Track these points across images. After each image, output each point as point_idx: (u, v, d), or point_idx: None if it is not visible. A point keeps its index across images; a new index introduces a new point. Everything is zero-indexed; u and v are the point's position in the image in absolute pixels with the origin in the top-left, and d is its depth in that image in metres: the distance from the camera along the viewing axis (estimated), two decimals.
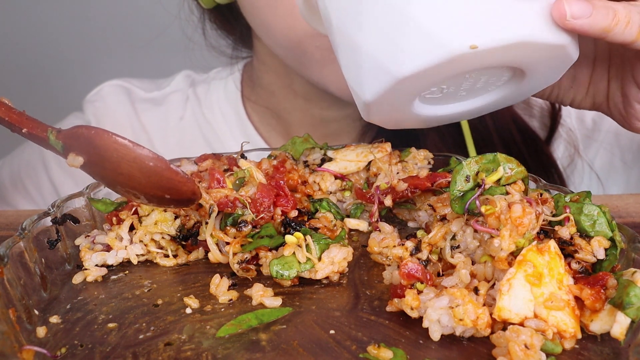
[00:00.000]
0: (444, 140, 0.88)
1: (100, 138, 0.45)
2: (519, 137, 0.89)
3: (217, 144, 0.99)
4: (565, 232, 0.45)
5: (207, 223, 0.53)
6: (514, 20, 0.45)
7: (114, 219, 0.56)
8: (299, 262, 0.49)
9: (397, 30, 0.46)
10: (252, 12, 0.81)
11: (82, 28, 1.75)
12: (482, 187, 0.49)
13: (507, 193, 0.49)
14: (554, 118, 0.93)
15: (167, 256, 0.55)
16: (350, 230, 0.60)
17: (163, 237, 0.55)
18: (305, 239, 0.50)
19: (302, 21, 0.67)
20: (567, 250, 0.45)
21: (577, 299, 0.42)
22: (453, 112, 0.56)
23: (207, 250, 0.54)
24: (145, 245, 0.55)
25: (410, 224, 0.60)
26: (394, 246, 0.51)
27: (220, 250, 0.53)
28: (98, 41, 1.74)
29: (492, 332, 0.42)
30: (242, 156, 0.62)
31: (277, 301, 0.47)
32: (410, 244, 0.50)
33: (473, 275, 0.46)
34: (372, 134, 0.92)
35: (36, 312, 0.47)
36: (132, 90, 1.03)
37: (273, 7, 0.75)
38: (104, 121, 1.00)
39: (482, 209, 0.46)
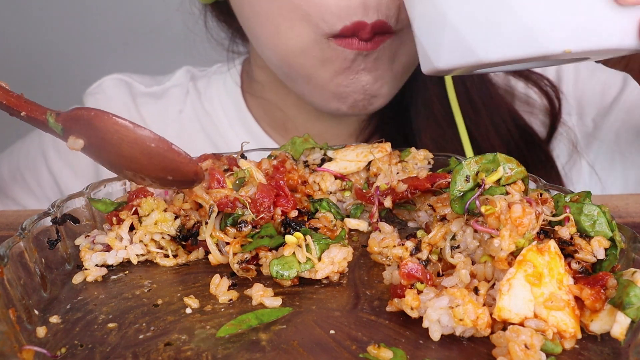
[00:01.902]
0: (444, 138, 0.88)
1: (100, 119, 0.44)
2: (518, 136, 0.89)
3: (217, 137, 0.99)
4: (565, 232, 0.45)
5: (207, 223, 0.53)
6: (609, 29, 0.46)
7: (114, 219, 0.55)
8: (299, 262, 0.49)
9: (493, 15, 0.46)
10: (243, 24, 0.83)
11: (82, 24, 1.76)
12: (482, 187, 0.49)
13: (507, 193, 0.49)
14: (554, 117, 0.93)
15: (167, 256, 0.55)
16: (350, 230, 0.60)
17: (163, 237, 0.55)
18: (305, 239, 0.50)
19: (287, 40, 0.66)
20: (567, 250, 0.45)
21: (577, 299, 0.42)
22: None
23: (207, 251, 0.54)
24: (145, 245, 0.55)
25: (410, 224, 0.60)
26: (394, 246, 0.51)
27: (220, 251, 0.53)
28: (99, 38, 1.74)
29: (492, 332, 0.42)
30: (242, 156, 0.62)
31: (277, 301, 0.47)
32: (410, 244, 0.50)
33: (473, 275, 0.46)
34: (372, 128, 0.92)
35: (36, 312, 0.47)
36: (132, 85, 1.04)
37: (260, 24, 0.77)
38: None
39: (482, 209, 0.46)
